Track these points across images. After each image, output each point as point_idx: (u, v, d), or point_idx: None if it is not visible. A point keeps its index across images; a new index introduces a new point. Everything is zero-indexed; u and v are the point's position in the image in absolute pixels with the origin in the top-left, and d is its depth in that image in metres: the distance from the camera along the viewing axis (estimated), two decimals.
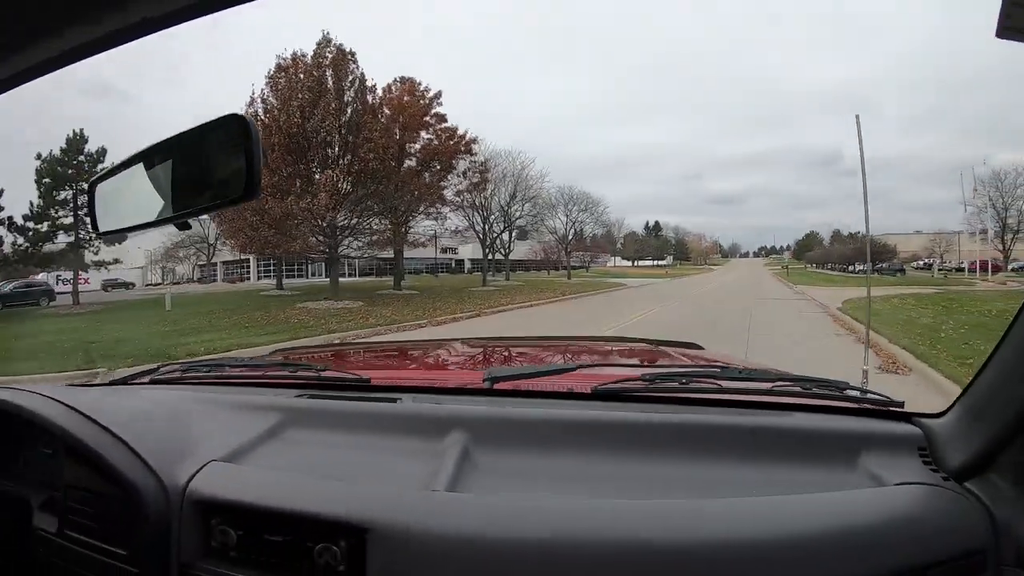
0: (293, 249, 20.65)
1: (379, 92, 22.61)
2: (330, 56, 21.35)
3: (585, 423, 0.95)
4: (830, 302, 16.98)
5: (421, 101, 24.54)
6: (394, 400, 1.13)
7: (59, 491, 0.98)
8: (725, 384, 1.07)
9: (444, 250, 57.24)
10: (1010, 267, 37.01)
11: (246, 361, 1.62)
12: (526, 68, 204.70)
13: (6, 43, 0.57)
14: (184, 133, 0.69)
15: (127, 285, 35.23)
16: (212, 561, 0.83)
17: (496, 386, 1.15)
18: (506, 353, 2.03)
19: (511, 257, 59.00)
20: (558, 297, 23.20)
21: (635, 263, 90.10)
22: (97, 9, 0.53)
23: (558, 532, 0.68)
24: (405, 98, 24.21)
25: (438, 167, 24.69)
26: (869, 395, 1.05)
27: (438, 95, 24.87)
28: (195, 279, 44.19)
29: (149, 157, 0.75)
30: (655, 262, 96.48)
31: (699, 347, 2.00)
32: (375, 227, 22.55)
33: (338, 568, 0.75)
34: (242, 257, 32.73)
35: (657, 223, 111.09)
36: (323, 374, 1.34)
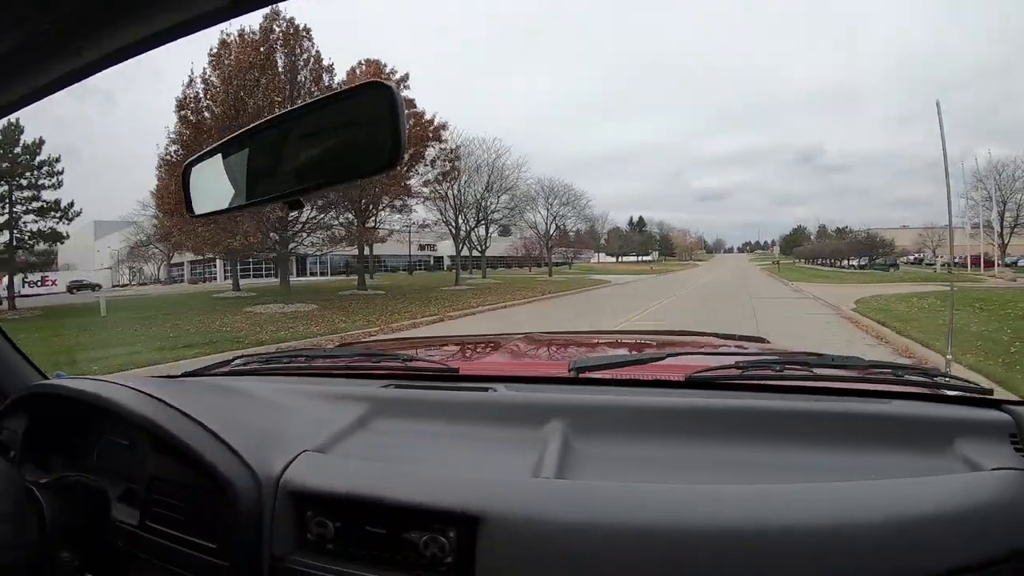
0: (234, 247, 18.37)
1: (340, 76, 20.69)
2: (280, 31, 19.08)
3: (681, 410, 0.94)
4: (838, 301, 15.22)
5: None
6: (486, 389, 1.12)
7: (137, 483, 0.97)
8: (818, 371, 1.06)
9: (421, 247, 55.60)
10: (1005, 262, 35.66)
11: (328, 351, 1.54)
12: (511, 66, 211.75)
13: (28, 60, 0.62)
14: (313, 104, 0.67)
15: (94, 287, 33.35)
16: (307, 554, 0.80)
17: (587, 375, 1.13)
18: (587, 345, 1.93)
19: (490, 253, 57.05)
20: (536, 297, 21.25)
21: (619, 259, 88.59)
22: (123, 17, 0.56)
23: (674, 518, 0.67)
24: None
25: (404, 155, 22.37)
26: (958, 382, 1.04)
27: (405, 78, 22.71)
28: (161, 280, 41.75)
29: (258, 134, 0.72)
30: (639, 258, 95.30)
31: (766, 341, 1.94)
32: (331, 221, 20.35)
33: (445, 560, 0.72)
34: (206, 256, 30.25)
35: (641, 218, 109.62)
36: (409, 364, 1.31)
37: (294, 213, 17.79)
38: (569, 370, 1.13)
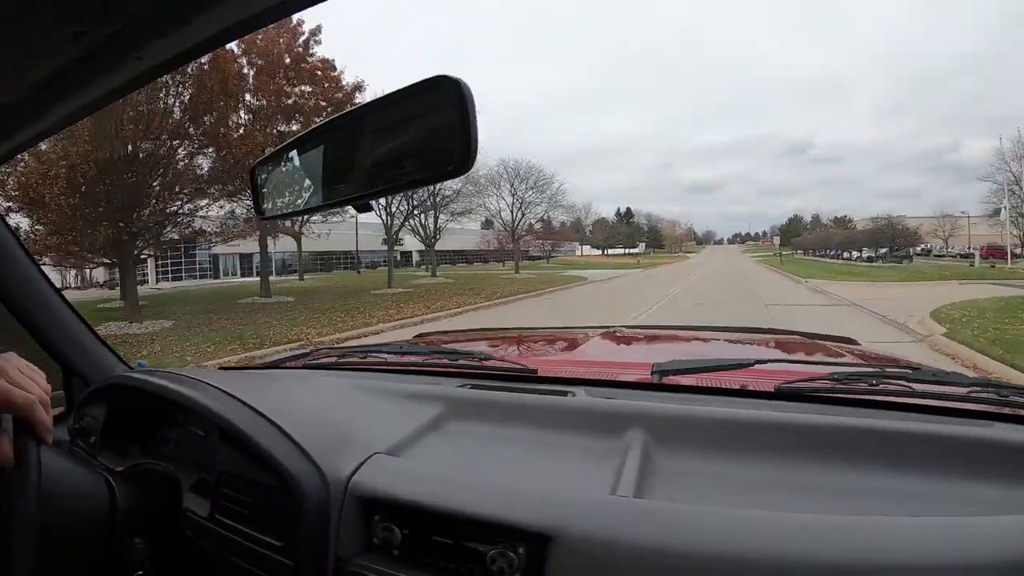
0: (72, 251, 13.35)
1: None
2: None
3: (768, 424, 0.89)
4: (891, 312, 10.50)
5: (295, 47, 17.17)
6: (564, 393, 1.08)
7: (210, 474, 0.96)
8: (917, 387, 1.00)
9: (383, 241, 50.71)
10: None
11: (404, 348, 1.50)
12: (498, 58, 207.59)
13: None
14: (375, 102, 0.65)
15: None
16: (373, 558, 0.79)
17: (668, 380, 1.11)
18: (669, 342, 1.88)
19: (452, 248, 52.05)
20: (483, 303, 16.25)
21: (605, 252, 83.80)
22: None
23: (761, 549, 0.62)
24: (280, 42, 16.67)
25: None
26: None
27: (316, 31, 17.30)
28: (101, 282, 36.30)
29: (328, 134, 0.71)
30: (627, 250, 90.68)
31: (855, 342, 1.81)
32: (198, 213, 15.24)
33: (513, 575, 0.70)
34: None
35: (629, 209, 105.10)
36: (486, 363, 1.30)
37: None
38: (652, 373, 1.11)
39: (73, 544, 0.88)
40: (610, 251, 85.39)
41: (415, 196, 24.02)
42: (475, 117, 0.56)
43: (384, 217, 23.50)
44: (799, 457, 0.84)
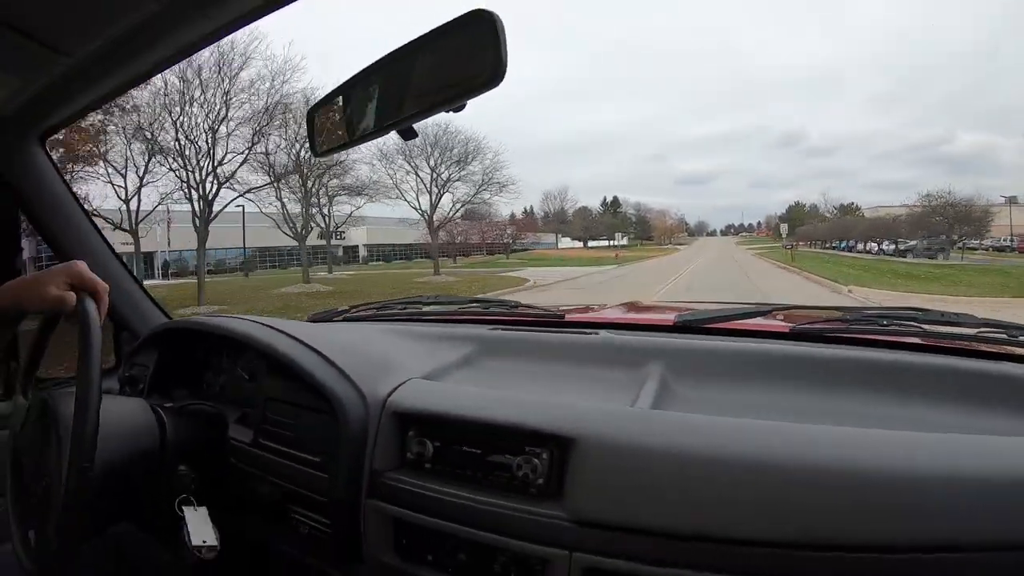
0: None
1: None
2: None
3: (783, 358, 0.94)
4: None
5: None
6: (592, 333, 1.13)
7: (253, 407, 1.05)
8: (928, 327, 1.00)
9: (322, 233, 43.33)
10: None
11: (439, 298, 1.56)
12: None
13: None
14: (420, 39, 0.71)
15: None
16: (405, 471, 0.84)
17: (690, 326, 1.14)
18: (685, 308, 1.76)
19: (388, 242, 44.56)
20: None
21: (587, 244, 76.45)
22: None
23: (766, 451, 0.65)
24: None
25: None
26: None
27: None
28: None
29: (375, 71, 0.77)
30: (611, 242, 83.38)
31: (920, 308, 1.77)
32: None
33: (536, 481, 0.74)
34: None
35: (616, 199, 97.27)
36: (516, 310, 1.37)
37: None
38: (675, 322, 1.14)
39: (124, 469, 0.92)
40: (592, 244, 78.15)
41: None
42: (505, 41, 0.63)
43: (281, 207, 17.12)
44: (812, 388, 0.87)
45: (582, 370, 1.02)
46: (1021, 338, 0.94)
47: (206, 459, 1.01)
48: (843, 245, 44.47)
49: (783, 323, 1.13)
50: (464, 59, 0.67)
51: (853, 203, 64.35)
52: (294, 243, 19.39)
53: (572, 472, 0.72)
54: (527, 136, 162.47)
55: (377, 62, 0.76)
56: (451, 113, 0.72)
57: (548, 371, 1.03)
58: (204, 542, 0.89)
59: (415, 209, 24.52)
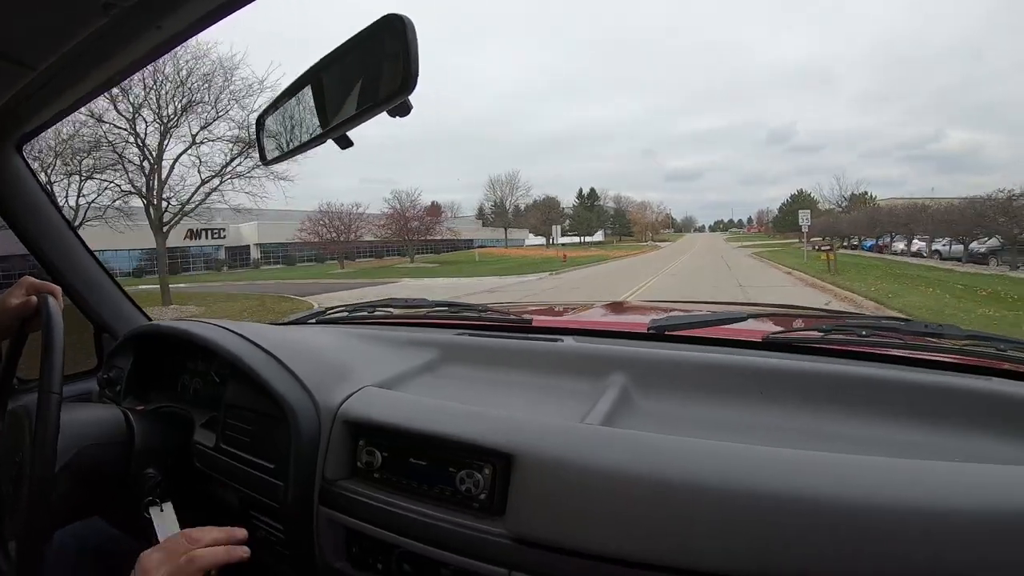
0: None
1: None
2: None
3: (752, 370, 0.88)
4: None
5: None
6: (555, 341, 1.10)
7: (218, 411, 1.04)
8: (910, 339, 0.95)
9: (191, 233, 33.22)
10: None
11: (410, 302, 1.52)
12: (478, 43, 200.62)
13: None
14: (342, 45, 0.71)
15: None
16: (356, 480, 0.84)
17: (658, 333, 1.10)
18: (663, 309, 1.75)
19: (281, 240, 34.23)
20: None
21: (552, 241, 65.14)
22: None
23: (717, 475, 0.62)
24: None
25: None
26: None
27: None
28: None
29: (308, 79, 0.77)
30: (583, 239, 72.31)
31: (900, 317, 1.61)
32: None
33: (479, 496, 0.73)
34: None
35: (592, 191, 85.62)
36: (484, 315, 1.34)
37: None
38: (648, 329, 1.10)
39: (92, 471, 0.95)
40: (562, 240, 67.00)
41: None
42: (415, 46, 0.62)
43: None
44: (784, 404, 0.83)
45: (542, 379, 0.99)
46: (1011, 352, 0.89)
47: (172, 462, 1.03)
48: (868, 244, 32.86)
49: (758, 331, 1.06)
50: (379, 66, 0.67)
51: (866, 192, 53.36)
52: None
53: (513, 489, 0.70)
54: (516, 132, 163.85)
55: (308, 70, 0.75)
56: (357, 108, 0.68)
57: (507, 380, 1.01)
58: None
59: (134, 190, 13.42)
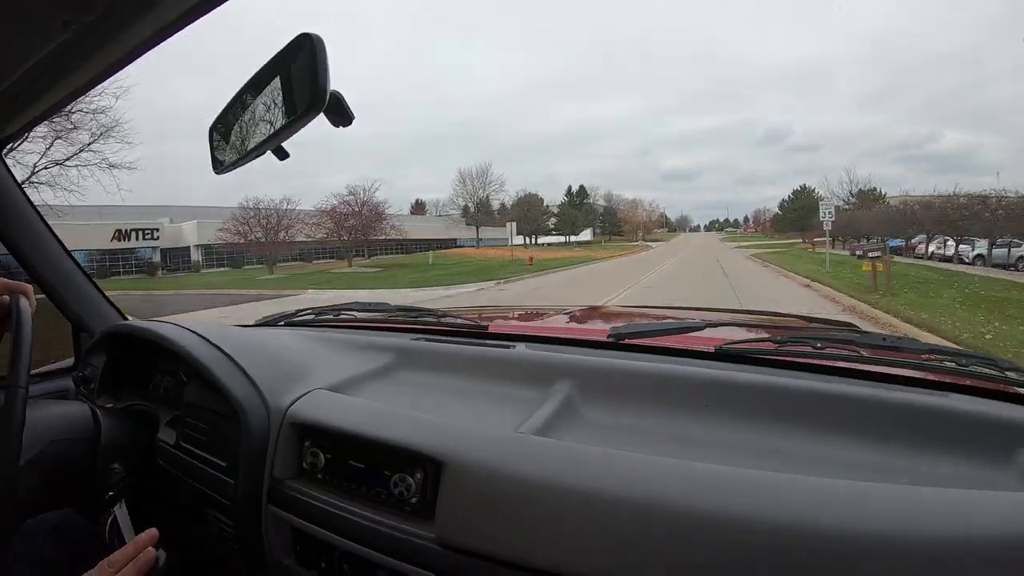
0: None
1: None
2: None
3: (702, 382, 0.87)
4: None
5: None
6: (508, 347, 1.11)
7: (181, 410, 1.07)
8: (866, 353, 0.92)
9: (120, 233, 31.09)
10: None
11: (374, 305, 1.54)
12: (475, 42, 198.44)
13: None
14: (267, 63, 0.73)
15: None
16: (301, 480, 0.87)
17: (621, 341, 1.08)
18: (630, 316, 1.85)
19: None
20: None
21: (533, 239, 60.49)
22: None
23: (641, 490, 0.62)
24: None
25: None
26: None
27: None
28: None
29: (242, 93, 0.79)
30: (567, 239, 67.63)
31: (855, 327, 1.62)
32: None
33: (411, 500, 0.75)
34: None
35: (582, 188, 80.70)
36: (443, 319, 1.35)
37: None
38: (608, 337, 1.09)
39: (57, 465, 0.98)
40: (544, 240, 62.31)
41: None
42: (324, 64, 0.63)
43: None
44: (733, 417, 0.81)
45: (491, 386, 1.00)
46: (973, 368, 0.86)
47: (136, 458, 1.06)
48: (893, 244, 27.90)
49: (716, 339, 1.02)
50: (294, 84, 0.68)
51: (876, 188, 48.66)
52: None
53: (442, 494, 0.71)
54: (512, 132, 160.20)
55: (244, 85, 0.77)
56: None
57: (456, 386, 1.02)
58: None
59: None
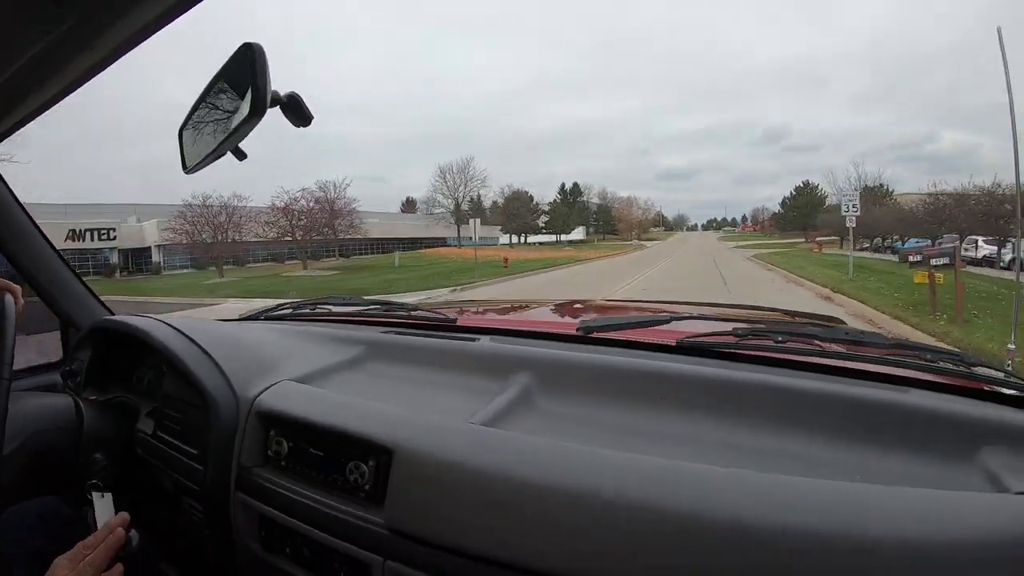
0: None
1: None
2: None
3: (658, 375, 0.88)
4: None
5: None
6: (473, 340, 1.13)
7: (159, 402, 1.10)
8: (828, 347, 0.94)
9: (74, 234, 28.03)
10: None
11: (348, 299, 1.57)
12: (474, 41, 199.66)
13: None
14: (219, 71, 0.75)
15: None
16: (267, 468, 0.90)
17: (590, 335, 1.09)
18: (609, 309, 1.83)
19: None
20: None
21: (523, 238, 57.80)
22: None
23: (589, 482, 0.62)
24: None
25: None
26: (1012, 378, 0.85)
27: None
28: None
29: (201, 96, 0.82)
30: (558, 238, 64.91)
31: (840, 322, 1.60)
32: None
33: (364, 487, 0.77)
34: None
35: (576, 185, 78.10)
36: (413, 313, 1.36)
37: None
38: (577, 330, 1.09)
39: (40, 454, 1.01)
40: (533, 239, 59.57)
41: None
42: (264, 72, 0.65)
43: None
44: (688, 410, 0.81)
45: (453, 377, 1.01)
46: (941, 364, 0.85)
47: (117, 448, 1.10)
48: (910, 244, 25.15)
49: (679, 332, 1.02)
50: (238, 90, 0.70)
51: (883, 184, 45.97)
52: None
53: (392, 482, 0.74)
54: (509, 130, 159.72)
55: (203, 90, 0.79)
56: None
57: (418, 377, 1.04)
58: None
59: None
